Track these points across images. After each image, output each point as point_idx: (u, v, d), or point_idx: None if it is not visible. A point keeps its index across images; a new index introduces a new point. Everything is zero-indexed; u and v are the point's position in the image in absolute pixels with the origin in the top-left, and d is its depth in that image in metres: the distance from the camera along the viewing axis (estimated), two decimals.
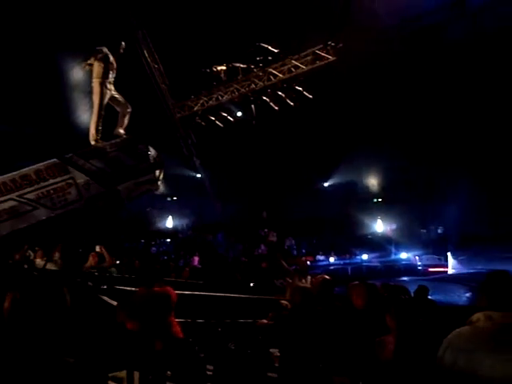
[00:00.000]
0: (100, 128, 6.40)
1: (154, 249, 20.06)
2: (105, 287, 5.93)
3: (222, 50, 12.72)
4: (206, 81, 13.53)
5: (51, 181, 5.63)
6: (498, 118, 15.31)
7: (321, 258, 18.62)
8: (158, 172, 6.47)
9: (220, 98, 13.58)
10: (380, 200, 21.65)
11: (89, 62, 6.34)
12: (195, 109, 14.06)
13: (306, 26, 11.17)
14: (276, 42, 12.13)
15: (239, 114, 13.72)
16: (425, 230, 20.76)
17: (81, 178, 5.82)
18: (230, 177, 18.91)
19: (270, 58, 12.34)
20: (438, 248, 19.09)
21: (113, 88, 6.54)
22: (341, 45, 11.11)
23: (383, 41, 11.44)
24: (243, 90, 13.03)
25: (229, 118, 13.95)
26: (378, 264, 18.06)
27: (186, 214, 22.20)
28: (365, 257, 19.02)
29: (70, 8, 11.07)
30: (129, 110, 6.74)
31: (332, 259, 18.48)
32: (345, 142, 17.67)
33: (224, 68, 13.02)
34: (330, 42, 11.18)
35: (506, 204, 17.51)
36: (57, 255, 8.00)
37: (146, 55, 14.07)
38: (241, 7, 11.62)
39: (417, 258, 18.24)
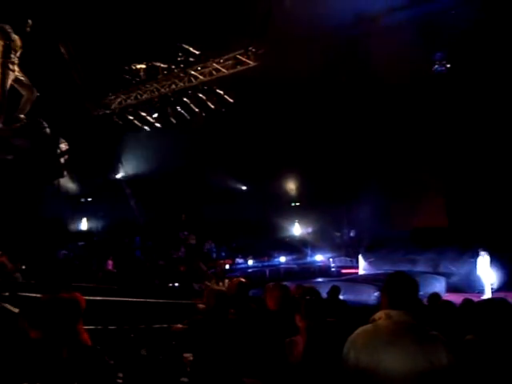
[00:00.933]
0: (3, 110, 5.92)
1: (64, 252, 18.98)
2: (7, 294, 5.52)
3: (143, 49, 12.35)
4: (125, 79, 13.04)
5: None
6: (401, 123, 16.54)
7: (240, 261, 18.74)
8: (63, 159, 6.12)
9: (139, 96, 13.18)
10: (297, 204, 22.28)
11: None
12: (113, 107, 13.51)
13: (228, 29, 11.21)
14: (198, 43, 12.02)
15: (155, 115, 13.37)
16: (339, 234, 21.69)
17: None
18: (149, 178, 18.43)
19: (191, 59, 12.18)
20: (350, 250, 20.14)
21: (17, 69, 6.05)
22: (261, 51, 11.26)
23: (304, 50, 11.81)
24: (163, 90, 12.75)
25: (148, 118, 13.56)
26: (295, 266, 18.53)
27: (101, 215, 21.27)
28: (282, 259, 19.46)
29: None
30: (34, 94, 6.27)
31: (251, 262, 18.67)
32: (262, 146, 18.01)
33: (144, 66, 12.64)
34: (251, 48, 11.28)
35: (408, 207, 18.95)
36: None
37: (63, 50, 13.31)
38: (163, 6, 11.39)
39: (331, 260, 19.01)
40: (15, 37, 6.01)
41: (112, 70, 12.96)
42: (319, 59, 12.18)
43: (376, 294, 10.76)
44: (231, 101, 12.35)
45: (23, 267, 10.02)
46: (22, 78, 6.09)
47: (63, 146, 6.09)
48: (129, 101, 13.31)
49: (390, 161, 19.43)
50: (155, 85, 12.81)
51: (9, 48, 5.89)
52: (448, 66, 12.40)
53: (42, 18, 12.15)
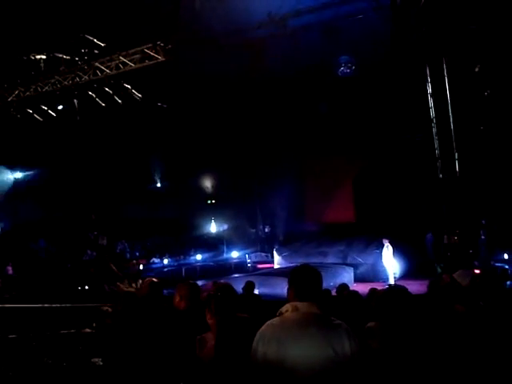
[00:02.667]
0: None
1: None
2: None
3: (42, 38, 11.46)
4: (23, 70, 12.05)
5: None
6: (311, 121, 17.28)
7: (156, 260, 18.32)
8: None
9: (39, 89, 12.24)
10: (213, 202, 22.28)
11: None
12: (9, 99, 12.45)
13: (135, 22, 10.80)
14: (103, 35, 11.44)
15: (60, 107, 12.56)
16: (254, 230, 22.06)
17: None
18: (52, 176, 17.30)
19: (96, 51, 11.57)
20: (265, 246, 20.59)
21: None
22: (170, 46, 11.01)
23: (212, 48, 11.77)
24: (66, 82, 11.97)
25: (49, 111, 12.68)
26: (211, 263, 18.53)
27: (1, 217, 19.62)
28: (199, 257, 19.36)
29: None
30: None
31: (166, 261, 18.33)
32: (177, 144, 17.77)
33: (44, 57, 11.73)
34: (159, 42, 10.98)
35: (320, 203, 19.84)
36: None
37: None
38: None
39: (246, 255, 19.26)
40: None
41: (8, 60, 11.92)
42: (227, 58, 12.22)
43: None
44: (139, 96, 11.93)
45: None
46: None
47: None
48: (28, 93, 12.32)
49: (301, 158, 20.22)
50: (57, 77, 11.96)
51: None
52: (353, 68, 12.99)
53: None
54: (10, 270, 14.60)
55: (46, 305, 7.15)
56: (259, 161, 19.88)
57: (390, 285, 10.86)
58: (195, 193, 21.67)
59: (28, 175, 17.96)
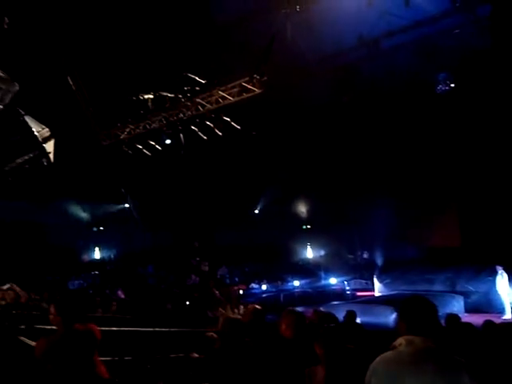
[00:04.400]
0: None
1: (77, 282, 19.02)
2: (23, 327, 5.49)
3: (149, 79, 12.61)
4: (132, 109, 13.28)
5: None
6: (415, 147, 16.56)
7: (254, 286, 18.61)
8: (47, 145, 6.09)
9: (148, 126, 13.36)
10: (309, 227, 22.19)
11: None
12: (122, 137, 13.71)
13: (232, 58, 11.45)
14: (203, 72, 12.25)
15: (168, 141, 13.55)
16: (352, 255, 21.50)
17: None
18: (159, 206, 18.54)
19: (197, 88, 12.40)
20: (364, 272, 19.91)
21: None
22: (265, 78, 11.44)
23: (306, 75, 12.00)
24: (171, 118, 12.94)
25: (157, 146, 13.73)
26: (309, 290, 18.36)
27: (113, 244, 21.38)
28: (296, 283, 19.28)
29: None
30: (15, 88, 6.29)
31: (264, 287, 18.52)
32: (272, 170, 18.12)
33: (151, 96, 12.86)
34: (255, 75, 11.47)
35: (422, 227, 18.79)
36: None
37: (70, 81, 13.63)
38: (167, 38, 11.70)
39: (345, 282, 18.79)
40: None
41: (120, 100, 13.22)
42: (321, 83, 12.34)
43: (394, 314, 10.60)
44: (238, 127, 12.48)
45: (37, 297, 9.99)
46: (1, 74, 6.10)
47: (38, 127, 6.05)
48: (137, 130, 13.51)
49: (402, 180, 19.42)
50: (163, 114, 13.02)
51: None
52: (452, 85, 12.39)
53: (50, 50, 12.56)
54: (121, 294, 15.61)
55: (156, 329, 7.53)
56: (355, 184, 19.49)
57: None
58: (290, 218, 21.77)
59: (137, 205, 19.35)
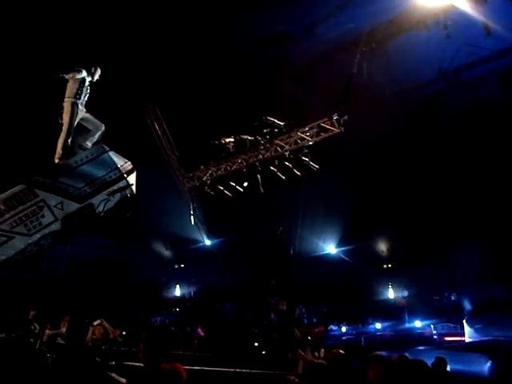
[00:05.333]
0: (68, 147, 6.40)
1: (158, 319, 19.65)
2: (113, 363, 5.74)
3: (230, 124, 13.28)
4: (214, 152, 13.99)
5: (21, 207, 5.52)
6: (501, 183, 15.57)
7: (333, 327, 18.09)
8: (130, 177, 6.42)
9: (228, 168, 13.94)
10: (389, 266, 21.35)
11: (66, 76, 6.46)
12: (204, 179, 14.40)
13: (310, 98, 11.74)
14: (281, 115, 12.64)
15: (245, 184, 14.00)
16: (438, 297, 20.26)
17: (52, 199, 5.75)
18: (238, 245, 18.91)
19: (276, 130, 12.80)
20: (452, 315, 18.60)
21: (84, 110, 6.65)
22: (345, 117, 11.55)
23: (385, 112, 11.93)
24: (251, 160, 13.40)
25: (237, 187, 14.21)
26: (392, 333, 17.48)
27: (193, 281, 21.99)
28: (378, 326, 18.47)
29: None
30: (102, 128, 6.81)
31: (344, 329, 17.94)
32: (351, 208, 17.85)
33: (232, 140, 13.51)
34: (334, 116, 11.62)
35: None
36: (64, 327, 7.84)
37: (157, 127, 14.71)
38: (245, 85, 12.34)
39: (432, 326, 17.67)
40: (88, 82, 6.67)
41: (203, 144, 14.00)
42: (399, 117, 12.19)
43: (489, 363, 9.74)
44: (316, 167, 12.58)
45: (123, 333, 10.42)
46: (90, 117, 6.67)
47: (120, 161, 6.43)
48: (219, 172, 14.13)
49: (490, 213, 18.18)
50: (243, 156, 13.53)
51: (81, 91, 6.52)
52: None
53: (136, 98, 13.70)
54: (200, 331, 15.82)
55: (237, 370, 7.53)
56: (439, 220, 18.55)
57: None
58: (370, 257, 21.13)
59: (218, 244, 19.84)
